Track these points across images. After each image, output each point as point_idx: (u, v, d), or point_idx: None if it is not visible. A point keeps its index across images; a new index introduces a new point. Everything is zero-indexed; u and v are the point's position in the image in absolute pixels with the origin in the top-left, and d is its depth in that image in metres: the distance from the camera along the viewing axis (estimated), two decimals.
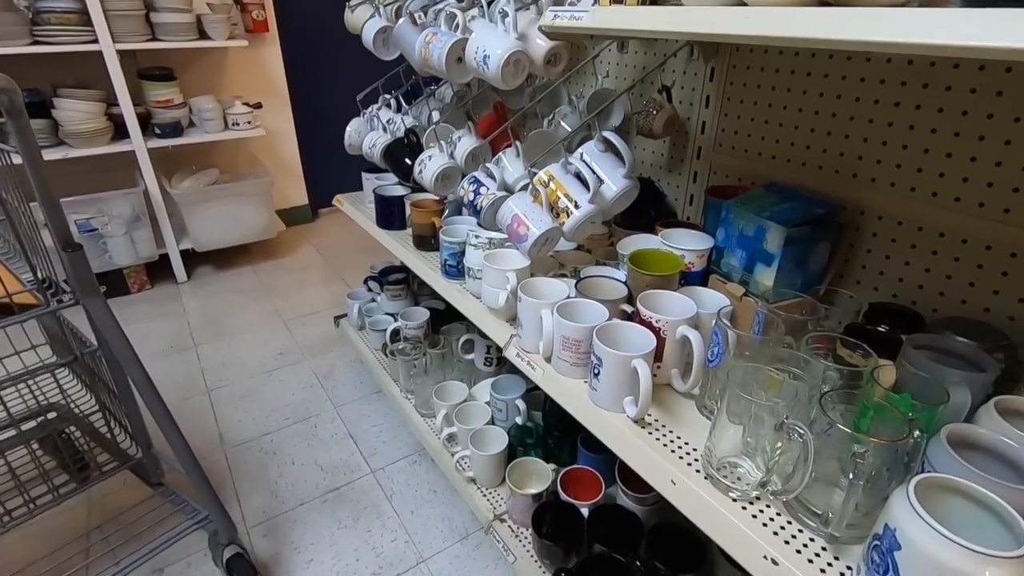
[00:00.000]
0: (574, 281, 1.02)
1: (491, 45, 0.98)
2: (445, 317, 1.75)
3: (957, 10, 0.42)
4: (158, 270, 2.66)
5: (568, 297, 0.97)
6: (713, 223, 1.07)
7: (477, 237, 1.13)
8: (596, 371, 0.84)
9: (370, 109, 1.69)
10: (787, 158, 1.01)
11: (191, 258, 2.75)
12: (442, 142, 1.33)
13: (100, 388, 1.19)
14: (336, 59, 3.15)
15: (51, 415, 1.32)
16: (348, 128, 1.68)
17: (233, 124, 2.58)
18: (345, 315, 2.06)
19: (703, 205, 1.11)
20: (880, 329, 0.83)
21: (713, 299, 0.93)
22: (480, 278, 1.12)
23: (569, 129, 1.26)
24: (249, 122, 2.60)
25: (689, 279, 1.01)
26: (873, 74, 0.86)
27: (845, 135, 0.91)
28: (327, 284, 2.69)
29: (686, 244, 1.02)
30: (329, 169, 3.37)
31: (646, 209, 1.24)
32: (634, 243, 1.11)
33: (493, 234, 1.13)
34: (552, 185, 1.06)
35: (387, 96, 1.68)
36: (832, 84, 0.91)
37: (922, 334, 0.77)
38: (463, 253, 1.20)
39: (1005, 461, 0.60)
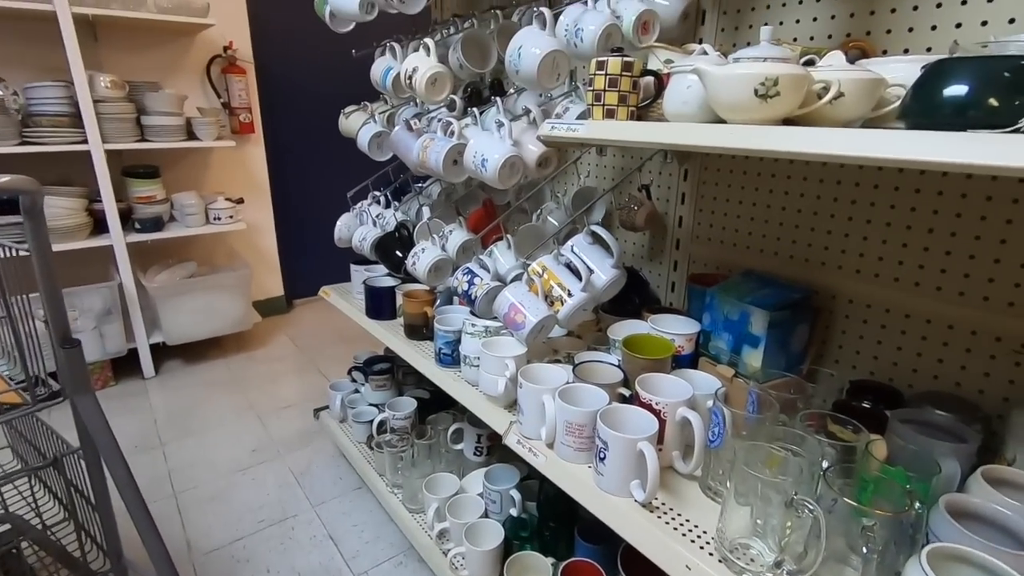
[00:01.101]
0: (570, 366, 1.05)
1: (488, 150, 1.07)
2: (431, 406, 1.73)
3: (888, 132, 0.51)
4: (124, 365, 2.57)
5: (567, 382, 1.00)
6: (697, 309, 1.13)
7: (474, 325, 1.16)
8: (602, 455, 0.85)
9: (360, 205, 1.77)
10: (760, 248, 1.10)
11: (160, 352, 2.68)
12: (434, 236, 1.39)
13: (69, 494, 1.12)
14: (316, 157, 3.29)
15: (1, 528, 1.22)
16: (339, 223, 1.74)
17: (215, 218, 2.62)
18: (325, 407, 2.01)
19: (686, 292, 1.19)
20: (865, 405, 0.88)
21: (706, 381, 0.97)
22: (477, 365, 1.14)
23: (556, 224, 1.35)
24: (231, 216, 2.65)
25: (680, 362, 1.05)
26: (831, 175, 0.98)
27: (811, 227, 1.01)
28: (302, 375, 2.63)
29: (675, 329, 1.07)
30: (305, 261, 3.41)
31: (631, 296, 1.30)
32: (623, 328, 1.17)
33: (489, 322, 1.17)
34: (546, 275, 1.12)
35: (377, 193, 1.76)
36: (796, 183, 1.03)
37: (905, 409, 0.82)
38: (459, 341, 1.22)
39: (999, 528, 0.64)
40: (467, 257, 1.42)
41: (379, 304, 1.54)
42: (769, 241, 1.08)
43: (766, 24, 1.01)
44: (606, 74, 0.81)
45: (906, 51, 0.85)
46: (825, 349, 1.03)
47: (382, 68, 1.40)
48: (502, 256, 1.32)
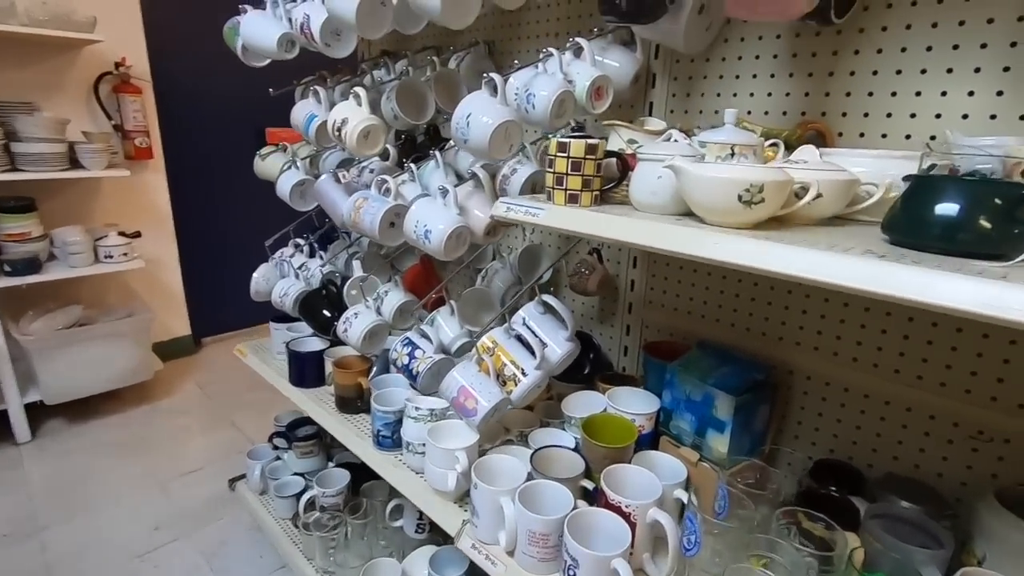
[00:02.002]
0: (527, 452, 0.97)
1: (432, 220, 0.97)
2: (365, 473, 1.58)
3: (886, 265, 0.47)
4: None
5: (526, 479, 0.91)
6: (655, 381, 1.09)
7: (417, 409, 1.05)
8: (571, 572, 0.77)
9: (280, 254, 1.60)
10: (716, 318, 1.07)
11: (39, 412, 2.31)
12: (367, 298, 1.26)
13: None
14: (226, 183, 3.02)
15: None
16: (255, 275, 1.56)
17: (106, 257, 2.31)
18: (241, 476, 1.80)
19: (642, 361, 1.14)
20: (832, 492, 0.86)
21: (670, 466, 0.92)
22: (422, 452, 1.03)
23: (502, 285, 1.26)
24: (125, 254, 2.35)
25: (640, 441, 1.00)
26: None
27: (768, 301, 0.99)
28: (214, 431, 2.37)
29: (635, 407, 1.02)
30: (216, 295, 3.10)
31: (583, 361, 1.24)
32: (579, 403, 1.10)
33: (434, 403, 1.06)
34: (497, 351, 1.03)
35: (299, 240, 1.60)
36: None
37: (876, 504, 0.80)
38: (399, 422, 1.10)
39: None
40: (404, 320, 1.30)
41: (305, 371, 1.38)
42: (725, 312, 1.05)
43: (718, 94, 0.99)
44: (568, 157, 0.74)
45: (862, 135, 0.84)
46: (784, 424, 1.01)
47: (305, 114, 1.26)
48: (445, 324, 1.21)
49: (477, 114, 0.84)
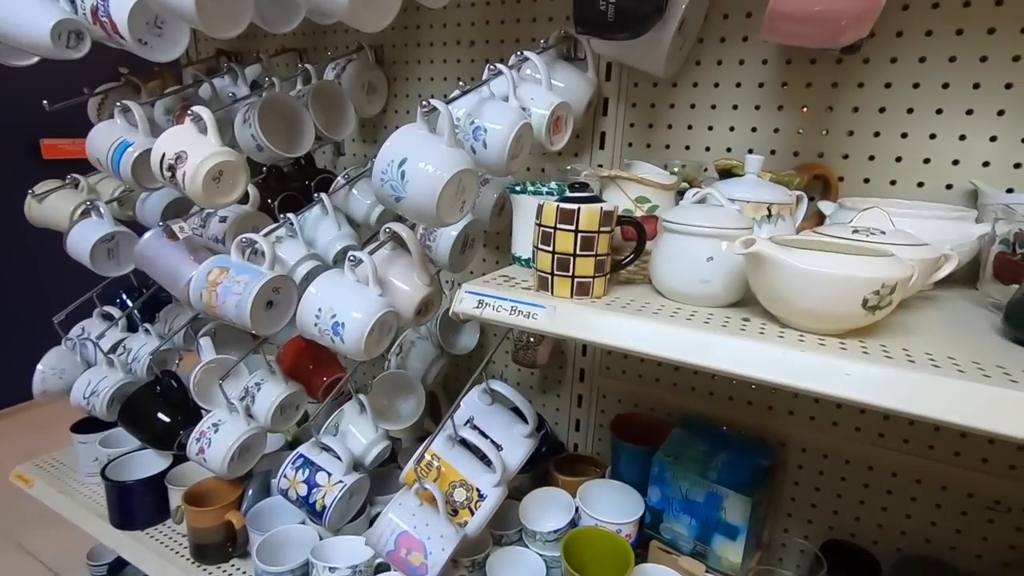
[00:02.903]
0: None
1: (344, 307, 0.67)
2: None
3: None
4: None
5: None
6: (630, 469, 0.90)
7: (334, 571, 0.74)
8: None
9: (80, 331, 1.12)
10: (691, 385, 0.91)
11: None
12: (232, 401, 0.90)
13: None
14: None
15: None
16: (40, 367, 1.07)
17: None
18: None
19: (610, 444, 0.94)
20: None
21: None
22: None
23: (421, 366, 0.98)
24: None
25: None
26: None
27: None
28: None
29: (617, 513, 0.82)
30: None
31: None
32: (539, 506, 0.88)
33: (359, 558, 0.76)
34: (442, 469, 0.77)
35: (110, 310, 1.14)
36: None
37: None
38: None
39: None
40: (287, 420, 0.96)
41: (134, 508, 0.96)
42: (702, 378, 0.90)
43: (689, 126, 0.82)
44: (578, 231, 0.51)
45: (867, 181, 0.73)
46: (777, 500, 0.88)
47: (110, 141, 0.85)
48: (354, 427, 0.90)
49: (416, 161, 0.57)
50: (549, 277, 0.53)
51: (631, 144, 0.87)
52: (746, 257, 0.45)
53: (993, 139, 0.66)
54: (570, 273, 0.52)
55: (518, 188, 0.66)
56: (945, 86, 0.67)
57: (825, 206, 0.68)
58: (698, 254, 0.50)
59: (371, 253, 0.72)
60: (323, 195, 0.88)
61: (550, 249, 0.52)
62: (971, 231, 0.59)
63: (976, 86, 0.65)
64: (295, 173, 1.07)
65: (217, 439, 0.87)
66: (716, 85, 0.79)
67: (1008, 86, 0.64)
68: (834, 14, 0.53)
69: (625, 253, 0.58)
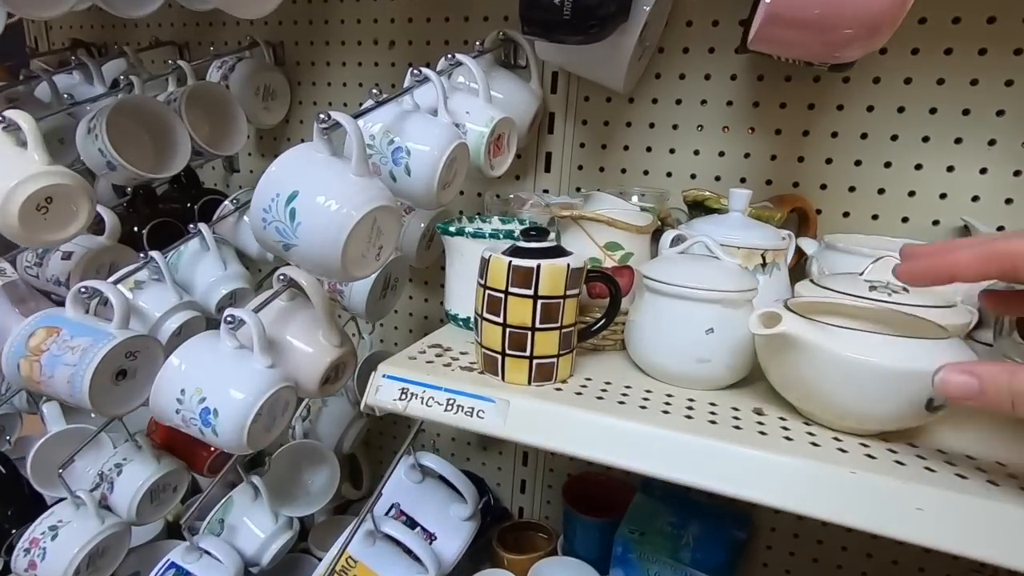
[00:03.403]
0: None
1: (219, 386, 0.49)
2: None
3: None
4: None
5: None
6: (586, 543, 0.77)
7: None
8: None
9: None
10: None
11: None
12: (78, 495, 0.69)
13: None
14: None
15: None
16: None
17: None
18: None
19: (562, 513, 0.81)
20: None
21: None
22: None
23: (335, 430, 0.81)
24: None
25: None
26: None
27: None
28: None
29: None
30: None
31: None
32: None
33: None
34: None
35: None
36: None
37: None
38: None
39: None
40: (159, 508, 0.76)
41: None
42: None
43: (648, 148, 0.71)
44: (537, 297, 0.37)
45: (846, 215, 0.65)
46: None
47: None
48: (248, 517, 0.72)
49: (312, 195, 0.41)
50: (499, 358, 0.39)
51: (581, 167, 0.75)
52: (766, 338, 0.33)
53: (983, 171, 0.59)
54: (527, 353, 0.38)
55: (452, 228, 0.52)
56: (932, 111, 0.59)
57: (806, 244, 0.59)
58: (695, 325, 0.38)
59: (262, 306, 0.55)
60: (203, 225, 0.70)
61: (500, 320, 0.38)
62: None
63: (966, 112, 0.58)
64: (173, 194, 0.88)
65: (55, 548, 0.66)
66: (678, 102, 0.69)
67: (1000, 113, 0.57)
68: (836, 20, 0.43)
69: (593, 313, 0.45)
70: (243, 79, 0.81)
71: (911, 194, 0.62)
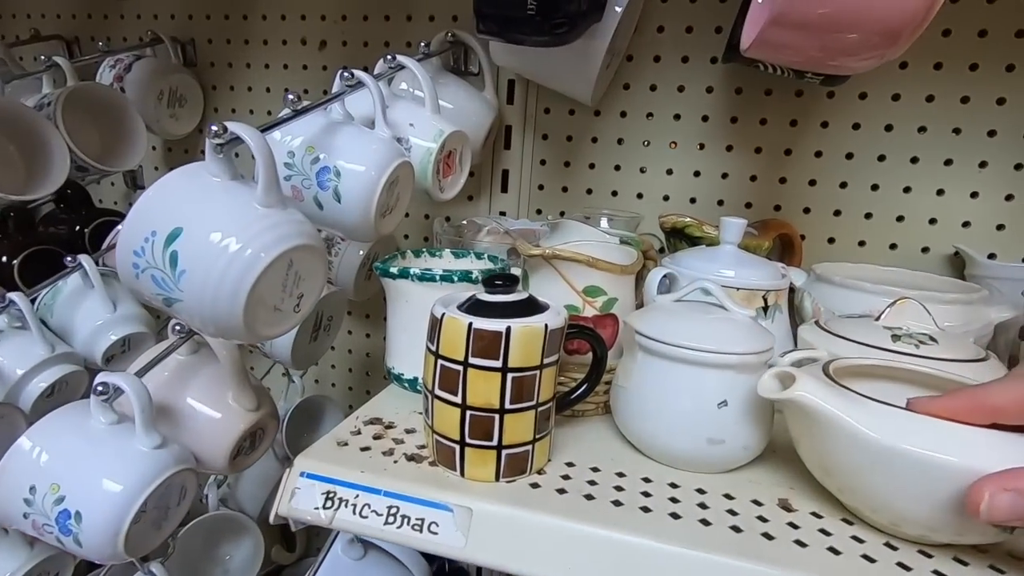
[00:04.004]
0: None
1: (85, 480, 0.37)
2: None
3: None
4: None
5: None
6: None
7: None
8: None
9: None
10: None
11: None
12: None
13: None
14: None
15: None
16: None
17: None
18: None
19: None
20: None
21: None
22: None
23: (260, 491, 0.69)
24: None
25: None
26: None
27: None
28: None
29: None
30: None
31: None
32: None
33: None
34: None
35: None
36: None
37: None
38: None
39: None
40: None
41: None
42: None
43: (617, 167, 0.64)
44: (506, 369, 0.28)
45: (831, 241, 0.59)
46: None
47: None
48: None
49: (203, 233, 0.31)
50: (457, 448, 0.30)
51: (542, 187, 0.67)
52: (784, 404, 0.25)
53: (974, 195, 0.55)
54: (494, 442, 0.29)
55: (393, 269, 0.42)
56: (921, 130, 0.55)
57: (794, 275, 0.53)
58: (706, 397, 0.30)
59: (154, 363, 0.43)
60: (83, 257, 0.57)
61: (458, 400, 0.29)
62: (987, 315, 0.46)
63: (956, 131, 0.54)
64: (59, 215, 0.73)
65: None
66: (649, 115, 0.62)
67: (991, 133, 0.53)
68: (852, 22, 0.37)
69: (570, 373, 0.36)
70: (142, 81, 0.68)
71: (899, 219, 0.57)
